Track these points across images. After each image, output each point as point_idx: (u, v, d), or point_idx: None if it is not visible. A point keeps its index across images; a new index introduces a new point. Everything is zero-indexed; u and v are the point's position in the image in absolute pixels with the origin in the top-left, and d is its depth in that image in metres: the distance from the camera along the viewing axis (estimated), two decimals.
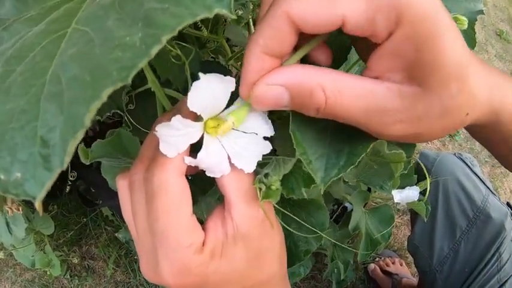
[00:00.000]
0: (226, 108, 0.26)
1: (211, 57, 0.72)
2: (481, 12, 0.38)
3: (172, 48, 0.37)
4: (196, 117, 0.26)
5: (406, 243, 1.05)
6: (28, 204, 0.93)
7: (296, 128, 0.26)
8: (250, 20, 0.55)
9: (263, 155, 0.28)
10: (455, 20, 0.30)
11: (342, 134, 0.26)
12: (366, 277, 1.35)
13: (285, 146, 0.29)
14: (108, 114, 0.40)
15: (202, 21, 0.54)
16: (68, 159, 0.16)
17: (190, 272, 0.27)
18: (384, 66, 0.23)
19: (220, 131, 0.26)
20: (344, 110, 0.23)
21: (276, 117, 0.30)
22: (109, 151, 0.37)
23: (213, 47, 0.67)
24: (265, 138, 0.28)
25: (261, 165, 0.28)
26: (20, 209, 0.71)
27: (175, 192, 0.26)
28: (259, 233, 0.29)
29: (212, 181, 0.31)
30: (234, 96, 0.26)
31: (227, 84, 0.25)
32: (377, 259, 1.36)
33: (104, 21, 0.18)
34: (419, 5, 0.21)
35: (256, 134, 0.27)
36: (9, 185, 0.16)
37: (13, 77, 0.18)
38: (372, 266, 1.34)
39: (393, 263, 1.34)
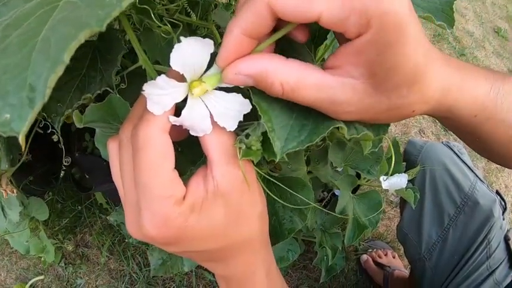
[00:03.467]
0: (207, 69, 0.28)
1: None
2: None
3: (162, 25, 0.38)
4: (181, 79, 0.28)
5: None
6: (23, 189, 0.94)
7: (260, 100, 0.28)
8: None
9: (245, 118, 0.29)
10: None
11: (309, 111, 0.28)
12: (358, 268, 1.37)
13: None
14: (99, 92, 0.41)
15: (191, 7, 0.54)
16: (48, 92, 0.17)
17: (170, 223, 0.28)
18: (347, 59, 0.26)
19: (197, 91, 0.28)
20: (299, 98, 0.26)
21: None
22: (101, 115, 0.39)
23: (203, 34, 0.68)
24: (245, 97, 0.29)
25: (243, 130, 0.30)
26: (15, 191, 0.72)
27: (159, 147, 0.28)
28: (239, 193, 0.31)
29: (200, 153, 0.33)
30: (214, 59, 0.28)
31: (206, 45, 0.26)
32: (369, 250, 1.37)
33: None
34: (389, 14, 0.23)
35: (238, 90, 0.29)
36: None
37: (9, 40, 0.20)
38: (365, 257, 1.35)
39: (385, 255, 1.35)
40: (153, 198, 0.27)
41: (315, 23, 0.24)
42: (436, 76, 0.28)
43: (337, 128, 0.28)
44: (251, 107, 0.29)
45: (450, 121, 0.34)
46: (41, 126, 0.62)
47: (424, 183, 0.89)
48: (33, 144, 0.75)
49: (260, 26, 0.25)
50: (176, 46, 0.25)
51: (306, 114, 0.28)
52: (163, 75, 0.26)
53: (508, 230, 0.85)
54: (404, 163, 0.73)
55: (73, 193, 1.32)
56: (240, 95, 0.29)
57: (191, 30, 0.60)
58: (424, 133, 1.73)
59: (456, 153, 0.91)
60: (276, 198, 0.43)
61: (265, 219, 0.35)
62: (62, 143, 0.76)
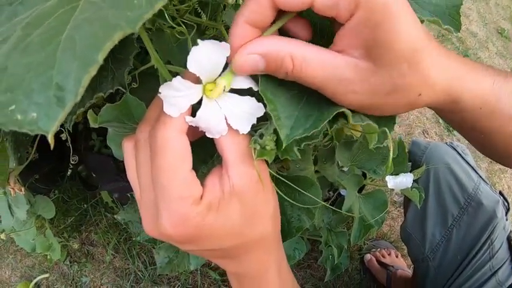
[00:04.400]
0: (222, 72, 0.29)
1: None
2: None
3: (175, 26, 0.39)
4: (197, 81, 0.28)
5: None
6: (29, 188, 0.94)
7: (267, 90, 0.29)
8: None
9: (258, 121, 0.30)
10: None
11: (314, 102, 0.29)
12: (361, 267, 1.37)
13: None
14: (111, 91, 0.42)
15: (202, 7, 0.55)
16: (82, 91, 0.18)
17: (188, 222, 0.29)
18: (345, 43, 0.27)
19: (214, 93, 0.28)
20: (308, 75, 0.27)
21: None
22: (116, 115, 0.40)
23: (212, 34, 0.69)
24: (259, 101, 0.30)
25: (256, 131, 0.30)
26: (23, 190, 0.73)
27: (177, 148, 0.28)
28: (254, 193, 0.31)
29: (212, 152, 0.33)
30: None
31: (223, 49, 0.27)
32: (373, 250, 1.37)
33: None
34: None
35: (252, 94, 0.30)
36: (25, 123, 0.18)
37: (30, 39, 0.20)
38: (368, 256, 1.35)
39: (389, 255, 1.35)
40: (171, 198, 0.28)
41: (315, 17, 0.26)
42: (437, 61, 0.28)
43: (342, 113, 0.28)
44: (264, 110, 0.30)
45: (456, 115, 0.35)
46: None
47: (428, 183, 0.89)
48: (39, 143, 0.76)
49: (261, 15, 0.27)
50: (193, 49, 0.26)
51: (312, 106, 0.29)
52: (178, 77, 0.27)
53: (511, 231, 0.85)
54: (410, 163, 0.74)
55: (79, 192, 1.33)
56: (253, 98, 0.30)
57: (200, 31, 0.61)
58: (427, 133, 1.73)
59: (460, 154, 0.91)
60: (284, 197, 0.43)
61: (278, 218, 0.36)
62: (69, 142, 0.77)
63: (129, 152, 0.32)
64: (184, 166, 0.29)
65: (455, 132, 1.76)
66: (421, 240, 0.91)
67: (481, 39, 2.31)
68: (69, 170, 0.84)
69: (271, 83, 0.29)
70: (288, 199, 0.42)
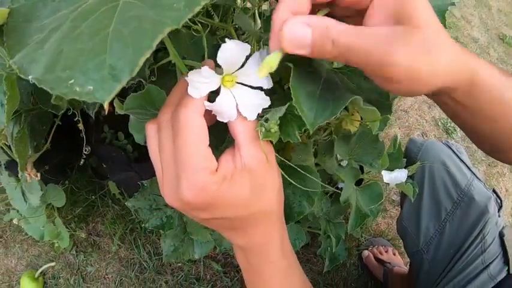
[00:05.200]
0: (239, 68, 0.34)
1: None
2: (453, 3, 0.44)
3: (193, 25, 0.44)
4: (217, 72, 0.34)
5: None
6: (43, 176, 0.98)
7: (295, 84, 0.33)
8: (256, 10, 0.62)
9: (263, 109, 0.35)
10: None
11: (328, 95, 0.34)
12: (359, 263, 1.41)
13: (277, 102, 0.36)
14: (133, 82, 0.46)
15: (214, 9, 0.60)
16: (137, 69, 0.23)
17: (205, 189, 0.33)
18: (376, 20, 0.31)
19: (230, 83, 0.34)
20: (355, 49, 0.29)
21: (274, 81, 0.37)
22: (139, 103, 0.44)
23: (222, 34, 0.73)
24: (266, 94, 0.35)
25: (262, 116, 0.35)
26: (38, 175, 0.77)
27: (197, 126, 0.33)
28: (263, 170, 0.36)
29: (222, 138, 0.38)
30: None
31: (244, 48, 0.33)
32: (371, 247, 1.41)
33: None
34: None
35: (261, 88, 0.35)
36: (83, 94, 0.23)
37: (80, 30, 0.25)
38: (366, 253, 1.39)
39: (386, 252, 1.39)
40: (192, 169, 0.32)
41: None
42: (451, 44, 0.32)
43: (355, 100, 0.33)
44: (270, 103, 0.35)
45: (468, 98, 0.37)
46: (69, 114, 0.67)
47: (423, 179, 0.93)
48: (53, 134, 0.80)
49: (300, 4, 0.31)
50: (222, 45, 0.32)
51: (326, 99, 0.34)
52: (206, 67, 0.32)
53: (503, 227, 0.88)
54: (405, 159, 0.77)
55: (87, 183, 1.36)
56: (262, 92, 0.35)
57: (212, 31, 0.65)
58: (426, 135, 1.77)
59: (455, 152, 0.95)
60: (289, 179, 0.48)
61: (282, 195, 0.41)
62: (83, 133, 0.81)
63: (151, 134, 0.36)
64: (203, 142, 0.33)
65: (453, 135, 1.80)
66: (415, 234, 0.94)
67: (482, 44, 2.33)
68: (82, 160, 0.88)
69: (298, 79, 0.33)
70: (292, 181, 0.46)
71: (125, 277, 1.27)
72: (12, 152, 0.81)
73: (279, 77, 0.42)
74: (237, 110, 0.35)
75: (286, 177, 0.44)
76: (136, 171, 0.92)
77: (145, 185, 0.73)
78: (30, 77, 0.24)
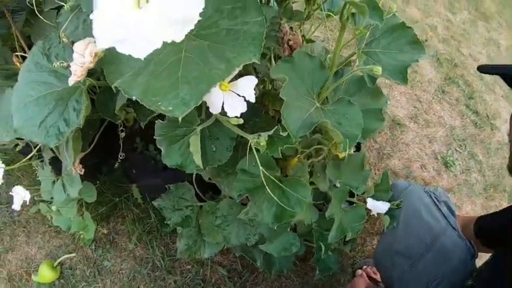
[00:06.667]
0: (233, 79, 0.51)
1: None
2: (416, 60, 0.60)
3: None
4: None
5: None
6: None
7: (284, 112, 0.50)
8: (272, 55, 0.76)
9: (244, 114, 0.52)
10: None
11: (307, 120, 0.51)
12: None
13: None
14: None
15: None
16: (199, 102, 0.39)
17: None
18: None
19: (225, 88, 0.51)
20: None
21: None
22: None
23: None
24: (248, 103, 0.52)
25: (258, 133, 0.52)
26: (83, 170, 0.90)
27: None
28: None
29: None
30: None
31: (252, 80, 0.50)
32: (365, 267, 1.51)
33: (202, 53, 0.42)
34: None
35: (244, 97, 0.51)
36: (166, 111, 0.38)
37: (158, 72, 0.41)
38: (359, 272, 1.48)
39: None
40: None
41: None
42: None
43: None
44: (246, 109, 0.51)
45: None
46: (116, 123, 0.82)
47: (399, 220, 0.99)
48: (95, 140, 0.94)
49: None
50: (243, 78, 0.49)
51: (306, 121, 0.51)
52: None
53: (476, 274, 0.93)
54: (391, 192, 0.90)
55: (113, 186, 1.49)
56: (245, 102, 0.51)
57: None
58: (425, 168, 1.81)
59: (434, 201, 1.01)
60: (287, 189, 0.63)
61: None
62: (121, 140, 0.97)
63: None
64: None
65: (452, 168, 1.87)
66: (389, 268, 1.01)
67: (488, 82, 2.34)
68: (117, 163, 1.02)
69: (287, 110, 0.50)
70: (288, 190, 0.61)
71: (138, 274, 1.37)
72: (57, 150, 0.94)
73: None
74: (223, 106, 0.50)
75: (283, 186, 0.59)
76: (162, 178, 1.07)
77: (171, 188, 0.88)
78: (134, 97, 0.40)
